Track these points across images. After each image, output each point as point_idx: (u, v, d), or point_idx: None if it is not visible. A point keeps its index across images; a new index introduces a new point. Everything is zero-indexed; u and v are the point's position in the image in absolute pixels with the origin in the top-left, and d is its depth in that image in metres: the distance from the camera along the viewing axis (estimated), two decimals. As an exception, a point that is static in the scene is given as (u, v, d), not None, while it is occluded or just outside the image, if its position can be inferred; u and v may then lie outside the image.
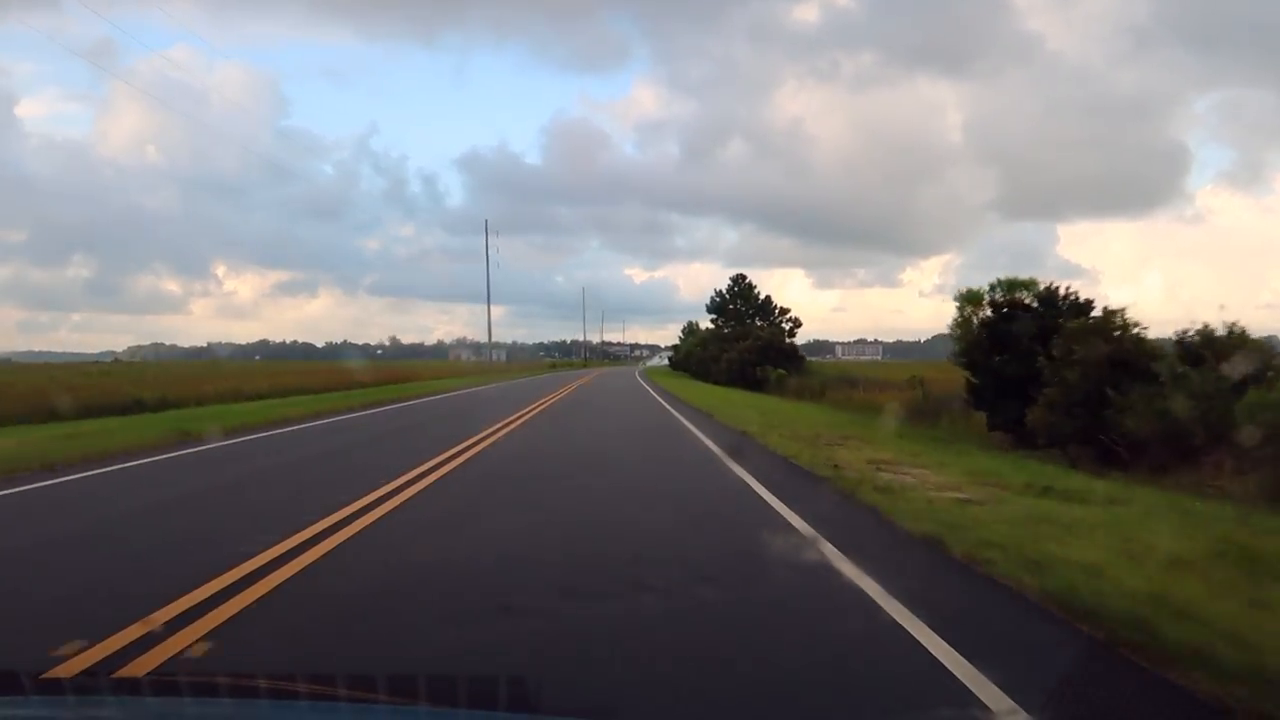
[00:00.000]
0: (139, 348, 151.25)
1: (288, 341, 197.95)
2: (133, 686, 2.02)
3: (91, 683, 2.08)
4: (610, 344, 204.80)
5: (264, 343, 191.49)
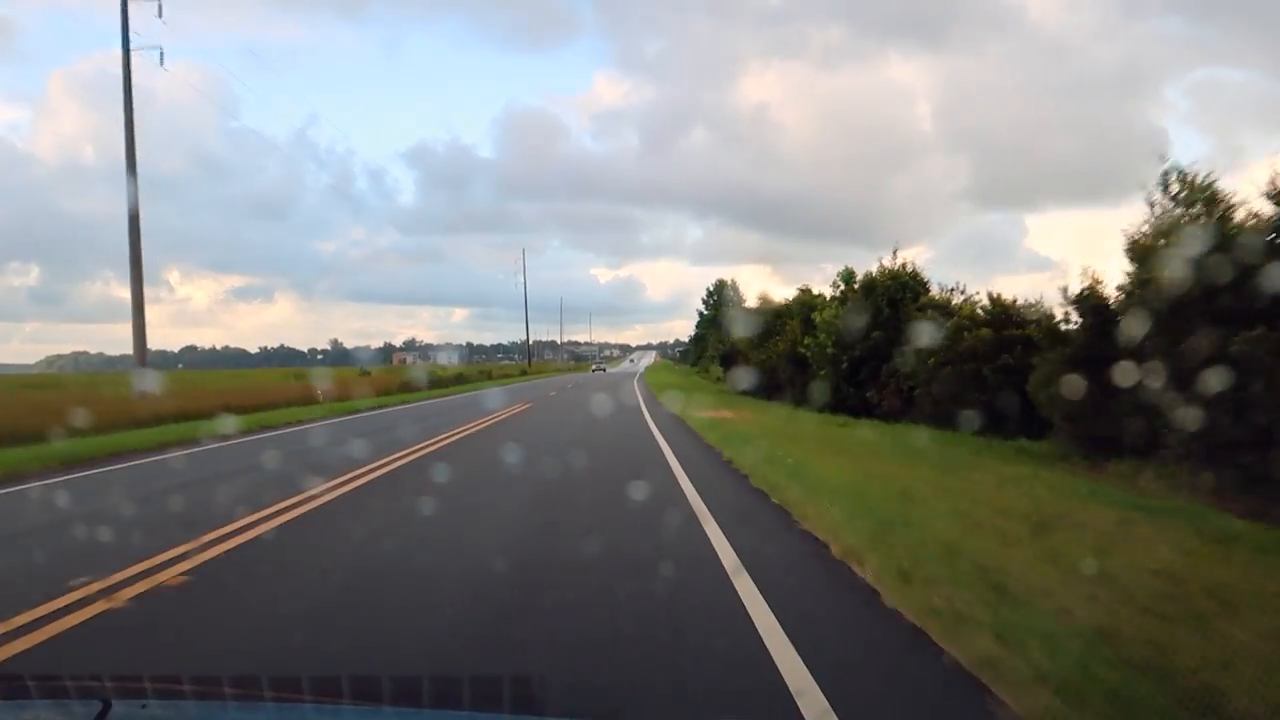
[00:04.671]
0: (58, 357, 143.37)
1: (218, 348, 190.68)
2: (138, 691, 1.94)
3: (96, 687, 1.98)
4: (577, 344, 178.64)
5: (191, 349, 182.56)
